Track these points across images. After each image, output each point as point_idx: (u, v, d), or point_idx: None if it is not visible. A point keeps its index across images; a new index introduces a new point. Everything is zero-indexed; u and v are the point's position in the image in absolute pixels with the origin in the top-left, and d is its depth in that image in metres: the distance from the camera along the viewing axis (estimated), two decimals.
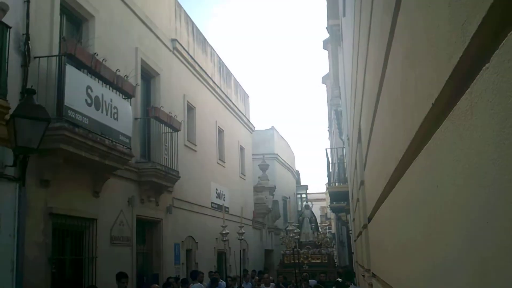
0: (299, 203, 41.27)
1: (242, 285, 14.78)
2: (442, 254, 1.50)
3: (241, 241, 12.81)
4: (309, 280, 15.89)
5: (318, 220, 40.79)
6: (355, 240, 12.57)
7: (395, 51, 2.13)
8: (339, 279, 13.16)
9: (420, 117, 1.62)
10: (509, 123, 0.97)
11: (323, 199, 60.23)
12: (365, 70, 4.14)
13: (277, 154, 34.48)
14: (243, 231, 12.67)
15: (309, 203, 36.60)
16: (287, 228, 13.01)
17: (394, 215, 2.75)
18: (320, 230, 29.27)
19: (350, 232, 20.95)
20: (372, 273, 5.68)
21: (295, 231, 12.83)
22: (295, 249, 15.28)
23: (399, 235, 2.56)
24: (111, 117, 10.76)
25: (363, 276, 7.76)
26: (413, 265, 2.11)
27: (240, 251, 14.08)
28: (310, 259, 23.46)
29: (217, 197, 19.99)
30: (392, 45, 2.20)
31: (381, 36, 2.58)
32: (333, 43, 19.17)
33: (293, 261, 16.31)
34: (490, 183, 1.05)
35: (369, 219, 5.70)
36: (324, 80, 35.68)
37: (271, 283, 13.57)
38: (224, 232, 11.80)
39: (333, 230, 44.11)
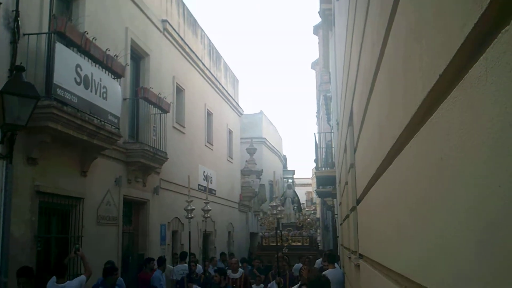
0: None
1: (208, 270, 14.45)
2: (447, 224, 1.49)
3: (206, 219, 12.32)
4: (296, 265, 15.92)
5: (303, 204, 40.99)
6: (341, 224, 12.63)
7: (398, 26, 2.11)
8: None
9: (424, 90, 1.61)
10: None
11: (309, 184, 60.72)
12: (360, 51, 4.13)
13: (265, 138, 34.55)
14: (209, 208, 12.16)
15: (291, 183, 36.73)
16: (271, 204, 12.44)
17: (389, 193, 2.76)
18: (302, 211, 28.90)
19: (336, 216, 21.04)
20: (359, 254, 5.72)
21: (279, 208, 12.22)
22: (278, 231, 14.53)
23: (395, 213, 2.57)
24: (100, 96, 10.68)
25: (349, 258, 7.80)
26: (412, 241, 2.11)
27: (205, 230, 14.11)
28: (290, 241, 22.32)
29: (204, 180, 19.98)
30: (394, 21, 2.19)
31: (382, 13, 2.57)
32: (324, 28, 19.15)
33: (273, 244, 15.49)
34: (507, 147, 1.03)
35: (358, 201, 5.73)
36: (313, 65, 35.74)
37: (240, 269, 12.78)
38: (189, 208, 11.22)
39: (318, 215, 44.36)
